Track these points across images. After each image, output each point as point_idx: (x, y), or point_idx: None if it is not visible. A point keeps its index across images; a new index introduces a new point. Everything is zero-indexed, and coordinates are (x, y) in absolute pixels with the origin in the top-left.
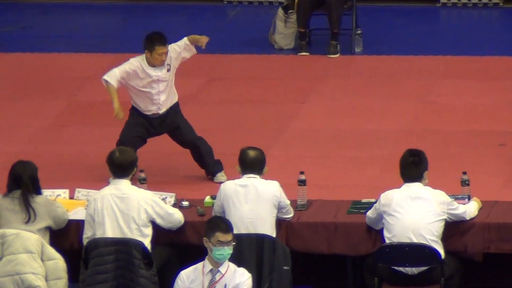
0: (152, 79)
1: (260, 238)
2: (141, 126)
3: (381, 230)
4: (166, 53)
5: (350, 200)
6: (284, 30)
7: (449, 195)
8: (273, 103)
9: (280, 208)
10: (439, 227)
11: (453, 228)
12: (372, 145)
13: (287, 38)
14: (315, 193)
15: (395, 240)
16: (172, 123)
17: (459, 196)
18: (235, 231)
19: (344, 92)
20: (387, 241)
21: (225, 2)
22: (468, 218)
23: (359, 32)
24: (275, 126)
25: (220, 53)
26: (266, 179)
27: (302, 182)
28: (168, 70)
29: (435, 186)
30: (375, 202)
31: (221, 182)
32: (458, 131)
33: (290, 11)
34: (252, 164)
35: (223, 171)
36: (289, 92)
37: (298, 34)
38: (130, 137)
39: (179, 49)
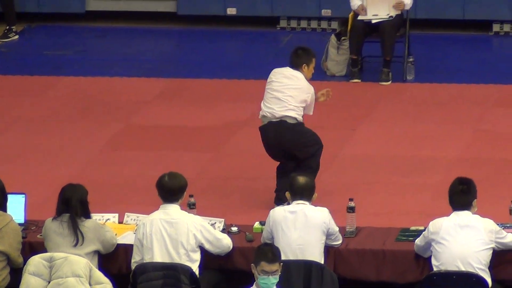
0: None
1: (308, 265)
2: None
3: (429, 258)
4: None
5: (400, 227)
6: (336, 57)
7: (497, 224)
8: (325, 130)
9: (328, 235)
10: (487, 256)
11: (502, 257)
12: (424, 173)
13: (340, 65)
14: (365, 220)
15: (443, 268)
16: None
17: (508, 225)
18: (283, 257)
19: (395, 119)
20: (435, 269)
21: (278, 29)
22: None
23: (411, 59)
24: (326, 152)
25: None
26: (316, 206)
27: (351, 209)
28: None
29: (484, 214)
30: (424, 230)
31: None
32: (509, 159)
33: (343, 38)
34: (301, 190)
35: None
36: (341, 119)
37: (351, 61)
38: None
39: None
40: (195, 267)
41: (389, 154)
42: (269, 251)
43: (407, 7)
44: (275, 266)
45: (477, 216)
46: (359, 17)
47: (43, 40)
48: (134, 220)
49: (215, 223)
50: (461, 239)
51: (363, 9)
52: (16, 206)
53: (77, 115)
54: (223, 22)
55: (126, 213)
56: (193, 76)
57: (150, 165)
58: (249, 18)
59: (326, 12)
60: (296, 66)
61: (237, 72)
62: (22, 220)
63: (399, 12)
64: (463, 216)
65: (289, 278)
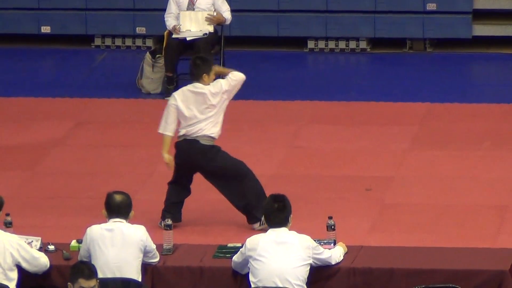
0: None
1: (125, 283)
2: None
3: (247, 275)
4: None
5: (217, 244)
6: (151, 75)
7: (314, 240)
8: (141, 147)
9: (146, 252)
10: (304, 272)
11: (319, 273)
12: None
13: (155, 82)
14: (182, 237)
15: (261, 284)
16: None
17: (325, 241)
18: (100, 276)
19: None
20: (253, 285)
21: (93, 47)
22: (333, 263)
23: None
24: (143, 170)
25: (87, 97)
26: (133, 223)
27: (168, 227)
28: None
29: (301, 231)
30: (241, 247)
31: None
32: (325, 175)
33: (157, 55)
34: (118, 208)
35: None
36: (157, 136)
37: (166, 79)
38: None
39: None
40: (12, 286)
41: None
42: (86, 268)
43: (227, 22)
44: (93, 282)
45: (294, 233)
46: (174, 35)
47: None
48: None
49: (32, 241)
50: (278, 256)
51: (177, 30)
52: None
53: None
54: (37, 41)
55: None
56: (6, 95)
57: None
58: (63, 37)
59: (140, 30)
60: (196, 77)
61: (52, 91)
62: None
63: (212, 30)
64: (280, 233)
65: None
